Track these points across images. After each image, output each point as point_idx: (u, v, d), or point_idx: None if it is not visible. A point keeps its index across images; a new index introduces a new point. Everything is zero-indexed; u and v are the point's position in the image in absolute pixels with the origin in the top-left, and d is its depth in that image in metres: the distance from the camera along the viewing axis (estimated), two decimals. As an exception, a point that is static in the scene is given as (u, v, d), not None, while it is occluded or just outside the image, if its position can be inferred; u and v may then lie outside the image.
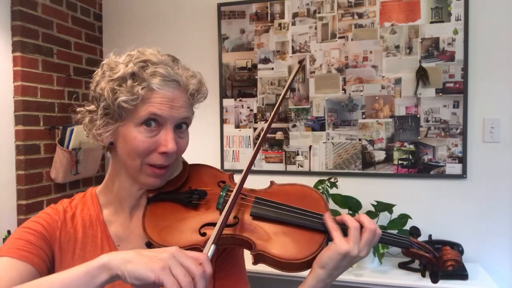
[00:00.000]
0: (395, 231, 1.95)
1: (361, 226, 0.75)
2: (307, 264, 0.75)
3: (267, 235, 0.76)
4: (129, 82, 0.74)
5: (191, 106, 0.83)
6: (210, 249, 0.67)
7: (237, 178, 0.85)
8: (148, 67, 0.76)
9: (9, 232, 1.99)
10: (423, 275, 0.84)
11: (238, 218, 0.78)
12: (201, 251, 0.74)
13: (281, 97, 0.91)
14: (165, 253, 0.60)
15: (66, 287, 0.59)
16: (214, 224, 0.77)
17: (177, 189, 0.84)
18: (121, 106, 0.74)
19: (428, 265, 0.83)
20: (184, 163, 0.88)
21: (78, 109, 0.82)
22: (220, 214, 0.78)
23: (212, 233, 0.70)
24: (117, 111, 0.75)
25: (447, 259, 0.80)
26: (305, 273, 0.80)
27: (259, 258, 0.75)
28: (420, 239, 0.84)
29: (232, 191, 0.80)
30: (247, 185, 0.82)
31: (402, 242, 0.81)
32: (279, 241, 0.76)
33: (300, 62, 1.12)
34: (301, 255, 0.74)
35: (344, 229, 0.75)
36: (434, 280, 0.83)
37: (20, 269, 0.72)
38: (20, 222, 2.08)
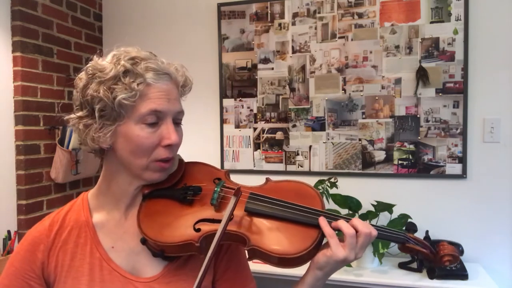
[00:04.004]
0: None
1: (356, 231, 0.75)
2: (301, 259, 0.75)
3: (261, 231, 0.76)
4: (125, 79, 0.74)
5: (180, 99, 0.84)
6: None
7: (234, 178, 0.85)
8: (139, 63, 0.76)
9: (9, 232, 1.99)
10: (420, 271, 0.83)
11: (232, 213, 0.78)
12: (196, 247, 0.74)
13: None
14: None
15: None
16: (208, 220, 0.78)
17: (173, 185, 0.84)
18: (122, 104, 0.74)
19: (425, 261, 0.82)
20: (180, 160, 0.88)
21: (67, 117, 0.80)
22: (215, 210, 0.79)
23: (215, 238, 0.71)
24: (116, 110, 0.75)
25: (444, 254, 0.78)
26: (302, 271, 0.80)
27: (253, 253, 0.75)
28: (417, 235, 0.83)
29: (226, 186, 0.81)
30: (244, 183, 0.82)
31: (398, 237, 0.81)
32: (273, 236, 0.76)
33: None
34: (295, 250, 0.74)
35: (340, 234, 0.75)
36: (431, 276, 0.82)
37: None
38: (20, 222, 2.09)
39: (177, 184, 0.84)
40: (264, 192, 0.82)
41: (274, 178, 0.88)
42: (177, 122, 0.82)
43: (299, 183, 0.85)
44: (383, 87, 2.19)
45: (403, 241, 0.80)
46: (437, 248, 0.80)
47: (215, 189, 0.81)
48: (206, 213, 0.79)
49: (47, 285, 0.81)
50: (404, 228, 1.95)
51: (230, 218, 0.75)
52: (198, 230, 0.76)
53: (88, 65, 0.79)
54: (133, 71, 0.75)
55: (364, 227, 0.75)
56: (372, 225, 0.77)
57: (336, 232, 0.76)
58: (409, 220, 1.98)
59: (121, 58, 0.76)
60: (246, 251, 0.76)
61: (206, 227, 0.76)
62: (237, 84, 2.44)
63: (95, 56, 0.80)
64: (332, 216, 0.78)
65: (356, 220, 0.76)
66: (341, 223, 0.75)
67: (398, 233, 0.81)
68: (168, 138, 0.77)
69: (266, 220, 0.78)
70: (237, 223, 0.77)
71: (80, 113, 0.78)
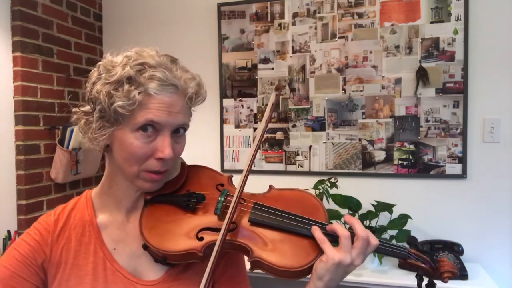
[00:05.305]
0: (394, 232, 1.96)
1: (354, 234, 0.74)
2: (304, 272, 0.74)
3: (264, 242, 0.76)
4: (126, 86, 0.72)
5: (189, 110, 0.81)
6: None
7: (236, 179, 0.84)
8: (145, 71, 0.74)
9: (9, 232, 1.99)
10: (419, 287, 0.83)
11: (236, 223, 0.77)
12: (198, 256, 0.74)
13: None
14: None
15: None
16: (211, 229, 0.77)
17: (175, 191, 0.83)
18: (117, 111, 0.73)
19: (424, 276, 0.82)
20: (183, 164, 0.87)
21: (74, 109, 0.80)
22: (218, 219, 0.78)
23: (215, 247, 0.71)
24: (113, 115, 0.74)
25: (443, 271, 0.80)
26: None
27: (256, 264, 0.75)
28: (419, 240, 0.84)
29: (230, 195, 0.79)
30: (246, 187, 0.81)
31: (400, 253, 0.81)
32: (277, 248, 0.75)
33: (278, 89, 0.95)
34: (298, 263, 0.74)
35: (336, 238, 0.74)
36: None
37: None
38: (20, 222, 2.09)
39: (179, 190, 0.83)
40: (267, 201, 0.81)
41: (274, 178, 0.88)
42: (178, 133, 0.79)
43: (302, 192, 0.85)
44: (383, 87, 2.19)
45: (404, 256, 0.81)
46: (437, 264, 0.81)
47: (219, 198, 0.80)
48: (209, 222, 0.78)
49: (45, 276, 0.81)
50: (404, 228, 1.96)
51: (230, 228, 0.75)
52: (201, 239, 0.76)
53: (100, 62, 0.78)
54: (136, 79, 0.73)
55: (362, 230, 0.74)
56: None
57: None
58: (409, 219, 1.98)
59: (129, 63, 0.74)
60: (249, 262, 0.75)
61: (209, 236, 0.76)
62: (237, 84, 2.44)
63: (108, 54, 0.79)
64: None
65: (356, 222, 0.75)
66: (336, 226, 0.75)
67: (400, 249, 0.81)
68: (161, 152, 0.75)
69: (269, 231, 0.77)
70: (241, 233, 0.77)
71: (85, 108, 0.78)
